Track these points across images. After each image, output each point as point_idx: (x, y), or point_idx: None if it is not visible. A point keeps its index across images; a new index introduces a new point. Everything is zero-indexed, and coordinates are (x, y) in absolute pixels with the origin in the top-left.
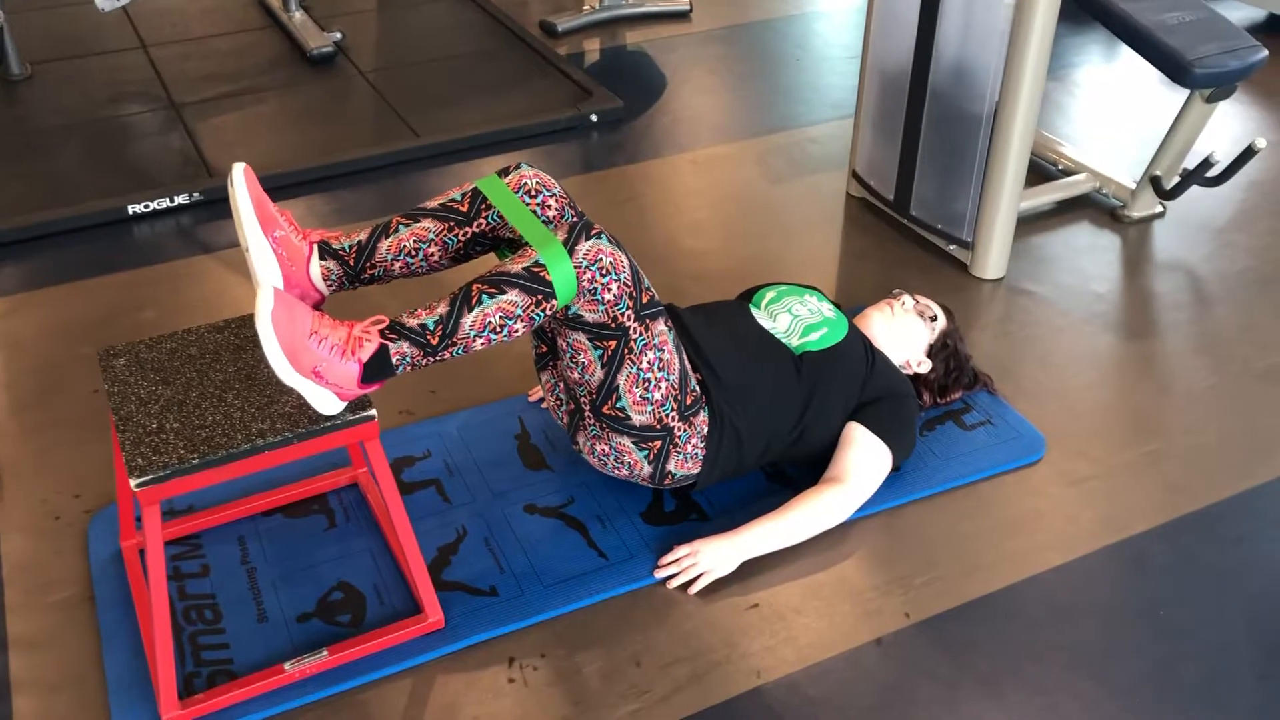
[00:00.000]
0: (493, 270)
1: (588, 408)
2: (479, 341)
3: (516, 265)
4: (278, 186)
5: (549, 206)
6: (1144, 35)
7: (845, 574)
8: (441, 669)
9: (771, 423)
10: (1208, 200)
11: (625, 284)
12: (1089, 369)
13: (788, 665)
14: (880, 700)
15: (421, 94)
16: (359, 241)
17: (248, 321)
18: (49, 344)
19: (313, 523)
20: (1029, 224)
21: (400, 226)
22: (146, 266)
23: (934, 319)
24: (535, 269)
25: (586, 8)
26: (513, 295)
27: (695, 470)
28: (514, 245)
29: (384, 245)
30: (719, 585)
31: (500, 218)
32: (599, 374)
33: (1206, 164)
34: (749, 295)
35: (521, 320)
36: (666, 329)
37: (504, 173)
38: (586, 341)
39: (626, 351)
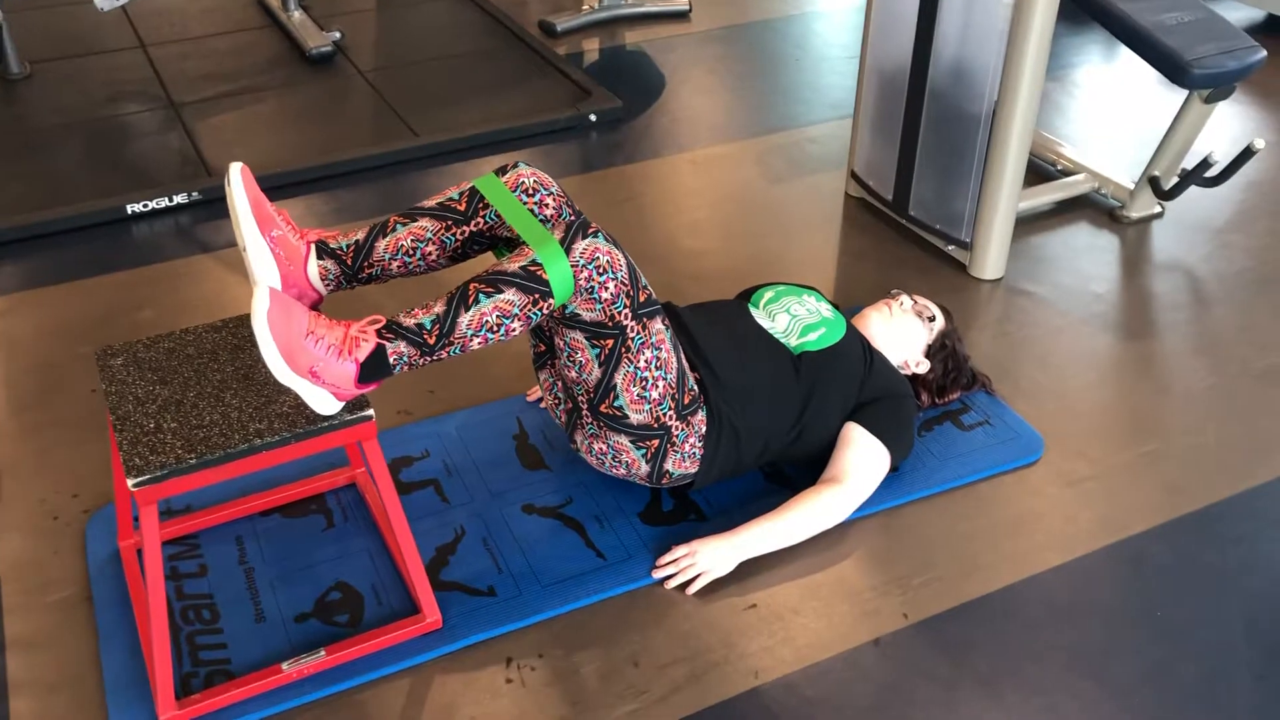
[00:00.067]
0: (490, 269)
1: (585, 406)
2: (476, 341)
3: (513, 264)
4: (276, 186)
5: (546, 205)
6: (1143, 35)
7: (843, 574)
8: (439, 669)
9: (770, 422)
10: (1206, 201)
11: (622, 283)
12: (1087, 369)
13: (786, 666)
14: (878, 701)
15: (420, 93)
16: (356, 241)
17: (245, 321)
18: (47, 343)
19: (311, 523)
20: (1028, 224)
21: (398, 226)
22: (145, 266)
23: (932, 319)
24: (532, 268)
25: (586, 7)
26: (510, 294)
27: (693, 469)
28: (511, 244)
29: (381, 244)
30: (717, 585)
31: (498, 217)
32: (596, 373)
33: (1205, 164)
34: (748, 295)
35: (519, 319)
36: (664, 328)
37: (501, 171)
38: (584, 340)
39: (624, 350)
